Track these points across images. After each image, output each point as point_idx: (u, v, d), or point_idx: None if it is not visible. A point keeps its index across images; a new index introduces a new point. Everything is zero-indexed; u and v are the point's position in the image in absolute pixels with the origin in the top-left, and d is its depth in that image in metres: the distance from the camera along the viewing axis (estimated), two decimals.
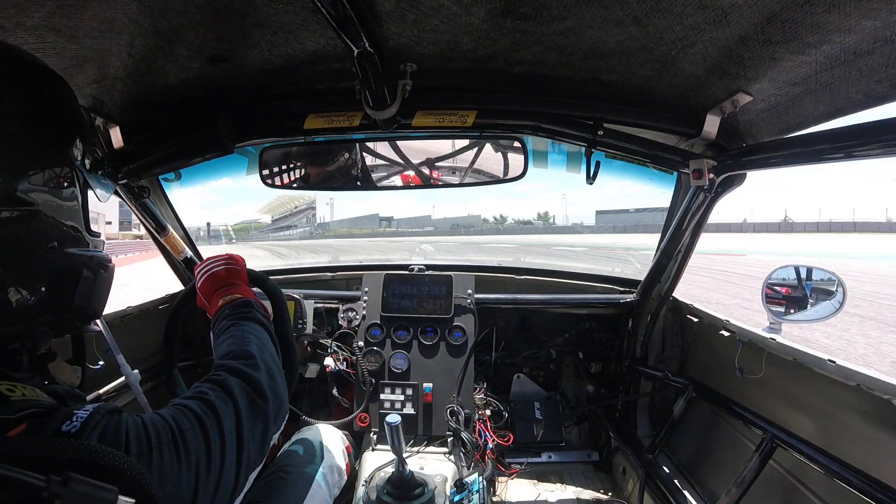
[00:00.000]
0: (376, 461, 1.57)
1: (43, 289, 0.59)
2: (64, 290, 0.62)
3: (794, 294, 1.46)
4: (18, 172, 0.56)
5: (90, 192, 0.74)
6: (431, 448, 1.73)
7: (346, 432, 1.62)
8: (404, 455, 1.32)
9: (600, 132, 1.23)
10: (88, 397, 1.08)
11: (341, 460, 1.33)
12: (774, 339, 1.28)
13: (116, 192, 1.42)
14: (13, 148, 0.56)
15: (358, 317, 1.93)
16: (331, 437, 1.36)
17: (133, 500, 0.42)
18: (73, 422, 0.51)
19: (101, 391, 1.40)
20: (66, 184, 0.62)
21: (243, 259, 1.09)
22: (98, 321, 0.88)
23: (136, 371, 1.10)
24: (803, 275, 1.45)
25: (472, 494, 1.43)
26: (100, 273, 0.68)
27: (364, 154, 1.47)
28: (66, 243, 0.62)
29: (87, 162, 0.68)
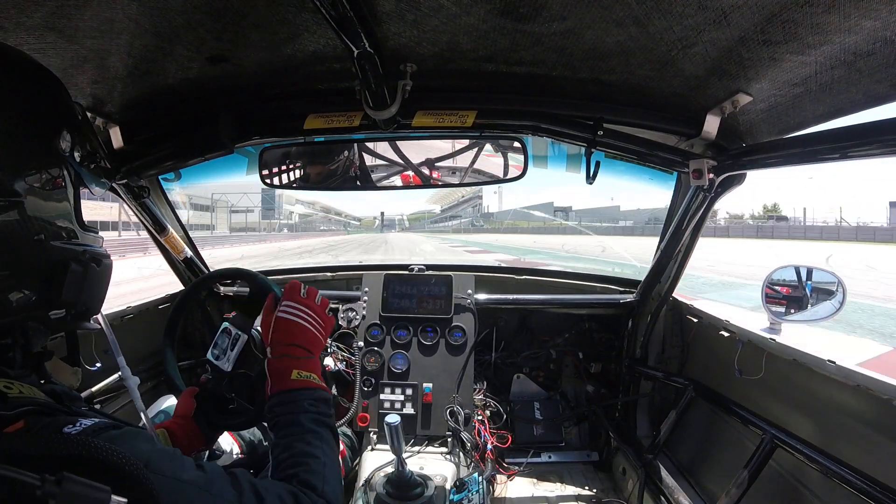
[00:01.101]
0: (376, 461, 1.57)
1: (29, 281, 0.58)
2: (51, 284, 0.61)
3: (795, 294, 1.45)
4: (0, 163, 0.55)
5: (87, 187, 0.73)
6: (431, 448, 1.73)
7: (342, 434, 1.62)
8: (404, 455, 1.32)
9: (600, 132, 1.23)
10: (82, 394, 1.07)
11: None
12: (774, 340, 1.28)
13: (113, 189, 1.42)
14: None
15: (358, 317, 1.93)
16: None
17: (126, 500, 0.42)
18: (75, 426, 0.50)
19: (94, 389, 1.39)
20: (52, 176, 0.61)
21: (334, 322, 1.03)
22: (100, 318, 0.87)
23: (136, 377, 1.08)
24: (803, 275, 1.45)
25: (472, 494, 1.43)
26: (91, 267, 0.66)
27: (364, 154, 1.47)
28: (53, 236, 0.61)
29: (76, 155, 0.66)
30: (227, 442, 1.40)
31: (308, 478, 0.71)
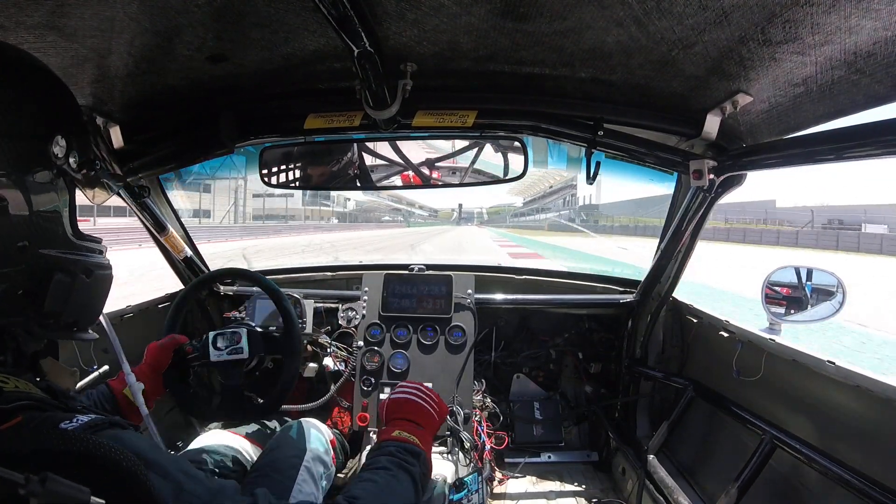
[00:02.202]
0: None
1: (10, 288, 0.57)
2: (34, 293, 0.59)
3: (795, 294, 1.45)
4: None
5: (88, 194, 0.73)
6: None
7: (336, 434, 1.62)
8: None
9: (600, 132, 1.23)
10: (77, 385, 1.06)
11: (326, 453, 1.33)
12: (773, 340, 1.28)
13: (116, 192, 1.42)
14: None
15: (357, 316, 1.93)
16: (314, 431, 1.36)
17: (103, 502, 0.42)
18: (72, 422, 0.50)
19: (82, 383, 1.38)
20: (41, 182, 0.59)
21: (447, 408, 1.08)
22: (103, 322, 0.85)
23: (140, 384, 1.02)
24: (803, 275, 1.45)
25: (472, 494, 1.43)
26: (79, 279, 0.64)
27: (364, 154, 1.47)
28: (40, 244, 0.59)
29: (72, 162, 0.64)
30: (255, 453, 1.38)
31: (356, 492, 0.73)
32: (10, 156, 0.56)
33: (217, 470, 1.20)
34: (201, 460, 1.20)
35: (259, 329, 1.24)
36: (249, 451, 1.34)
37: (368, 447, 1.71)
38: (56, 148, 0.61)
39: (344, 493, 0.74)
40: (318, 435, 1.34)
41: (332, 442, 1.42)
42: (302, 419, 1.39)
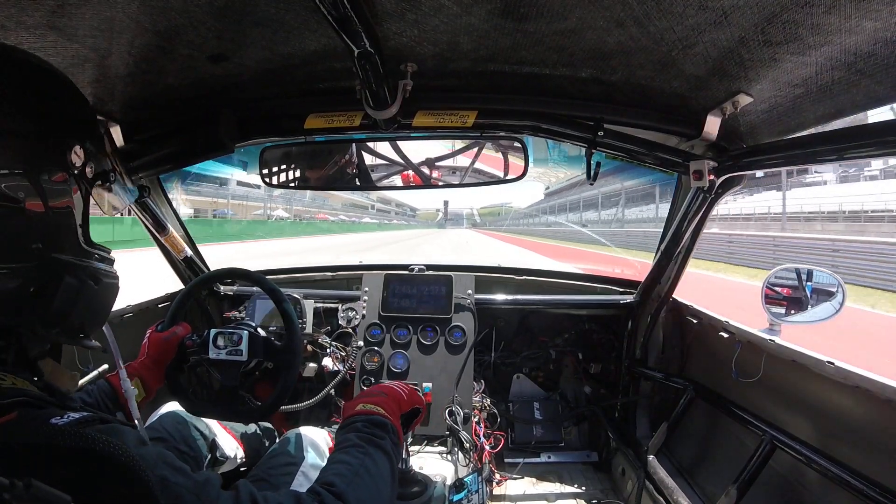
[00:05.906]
0: None
1: (22, 287, 0.57)
2: (43, 293, 0.60)
3: (795, 295, 1.45)
4: (4, 169, 0.55)
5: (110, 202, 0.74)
6: (430, 448, 1.73)
7: (331, 433, 1.62)
8: (403, 454, 1.32)
9: (600, 133, 1.23)
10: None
11: (324, 460, 1.33)
12: (773, 341, 1.28)
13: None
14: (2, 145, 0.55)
15: (357, 316, 1.93)
16: (313, 439, 1.36)
17: None
18: (63, 418, 0.51)
19: (83, 381, 1.38)
20: (58, 188, 0.61)
21: (421, 400, 1.07)
22: (105, 329, 0.85)
23: (134, 389, 1.04)
24: (804, 275, 1.45)
25: (472, 494, 1.43)
26: (88, 284, 0.65)
27: (364, 154, 1.47)
28: (53, 248, 0.60)
29: (88, 171, 0.66)
30: (232, 447, 1.39)
31: (332, 479, 0.72)
32: (30, 157, 0.57)
33: (187, 448, 1.22)
34: (175, 431, 1.23)
35: (261, 333, 1.24)
36: (225, 441, 1.36)
37: None
38: (74, 157, 0.63)
39: (319, 480, 0.73)
40: (317, 444, 1.34)
41: (330, 449, 1.42)
42: (301, 429, 1.39)
